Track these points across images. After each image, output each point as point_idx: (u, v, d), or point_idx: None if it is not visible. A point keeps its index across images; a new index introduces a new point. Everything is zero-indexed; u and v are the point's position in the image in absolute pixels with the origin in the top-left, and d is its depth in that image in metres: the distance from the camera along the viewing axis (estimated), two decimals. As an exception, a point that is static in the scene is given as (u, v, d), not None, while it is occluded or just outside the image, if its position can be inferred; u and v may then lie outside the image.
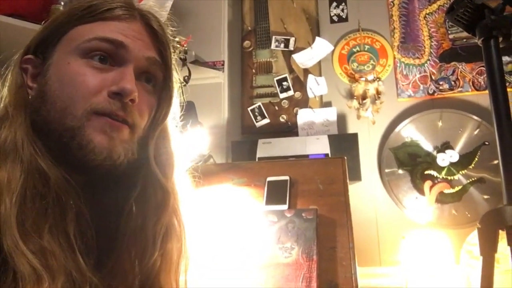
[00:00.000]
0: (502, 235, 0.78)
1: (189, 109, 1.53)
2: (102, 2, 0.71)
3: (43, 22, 0.74)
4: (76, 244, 0.62)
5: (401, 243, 1.75)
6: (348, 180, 1.37)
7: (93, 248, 0.67)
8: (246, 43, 2.34)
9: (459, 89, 2.06)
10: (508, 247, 0.75)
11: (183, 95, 0.86)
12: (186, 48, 1.64)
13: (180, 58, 1.59)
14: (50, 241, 0.58)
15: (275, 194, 1.36)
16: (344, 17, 2.30)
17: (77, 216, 0.64)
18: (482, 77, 2.03)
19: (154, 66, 0.72)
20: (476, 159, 1.93)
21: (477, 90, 2.04)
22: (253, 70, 2.29)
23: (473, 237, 1.68)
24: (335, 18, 2.31)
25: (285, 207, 1.31)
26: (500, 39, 0.84)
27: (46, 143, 0.65)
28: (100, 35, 0.68)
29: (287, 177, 1.39)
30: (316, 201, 1.32)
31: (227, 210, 1.32)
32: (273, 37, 2.28)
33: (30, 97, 0.69)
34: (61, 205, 0.62)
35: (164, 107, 0.75)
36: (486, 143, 1.93)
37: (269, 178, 1.39)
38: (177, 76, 0.78)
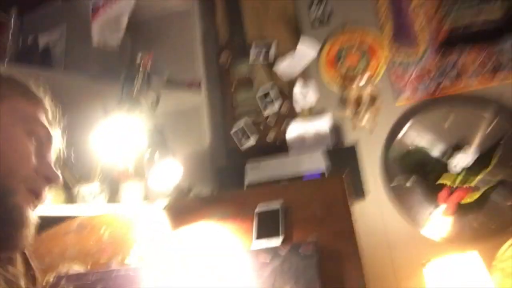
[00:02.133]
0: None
1: (156, 139, 1.37)
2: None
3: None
4: None
5: (422, 271, 1.56)
6: (350, 200, 1.26)
7: None
8: (223, 59, 2.25)
9: (463, 83, 1.91)
10: None
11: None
12: (148, 71, 1.46)
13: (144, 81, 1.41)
14: None
15: (266, 226, 1.25)
16: (326, 18, 2.15)
17: None
18: (486, 68, 1.86)
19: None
20: (494, 160, 1.76)
21: (483, 82, 1.88)
22: (233, 88, 2.20)
23: (504, 252, 1.47)
24: (316, 22, 2.16)
25: (279, 241, 1.19)
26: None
27: None
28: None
29: (277, 206, 1.28)
30: (315, 230, 1.21)
31: (209, 252, 1.21)
32: (252, 48, 2.18)
33: None
34: None
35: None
36: (502, 142, 1.77)
37: (258, 209, 1.30)
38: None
